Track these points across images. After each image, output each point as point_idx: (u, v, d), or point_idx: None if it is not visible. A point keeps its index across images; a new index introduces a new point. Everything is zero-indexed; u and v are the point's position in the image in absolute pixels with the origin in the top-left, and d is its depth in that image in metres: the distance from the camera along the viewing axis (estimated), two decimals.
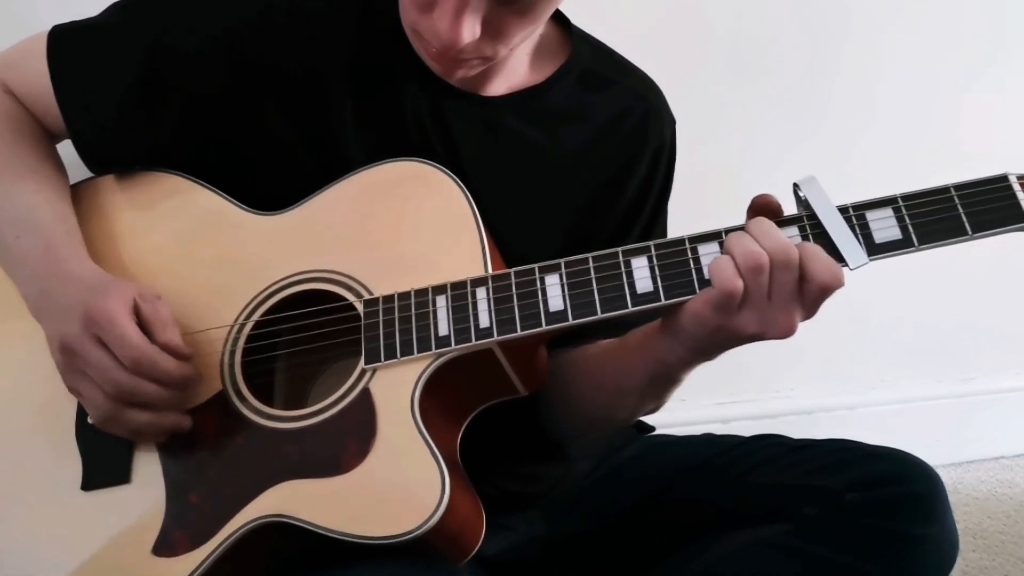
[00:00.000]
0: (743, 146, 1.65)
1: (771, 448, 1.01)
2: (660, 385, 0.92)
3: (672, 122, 1.09)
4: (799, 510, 0.91)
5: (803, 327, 0.79)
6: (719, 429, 1.23)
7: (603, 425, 1.04)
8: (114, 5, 0.97)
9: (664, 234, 1.11)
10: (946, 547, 0.87)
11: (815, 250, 0.75)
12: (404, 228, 0.89)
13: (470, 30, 0.82)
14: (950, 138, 1.72)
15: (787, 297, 0.76)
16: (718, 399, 1.74)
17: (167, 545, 0.81)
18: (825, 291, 0.76)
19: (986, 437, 1.95)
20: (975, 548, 1.62)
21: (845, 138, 1.70)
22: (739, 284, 0.75)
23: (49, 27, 0.96)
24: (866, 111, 1.70)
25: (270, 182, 0.95)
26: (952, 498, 0.89)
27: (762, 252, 0.75)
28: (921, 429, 1.82)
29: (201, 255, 0.93)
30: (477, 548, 0.84)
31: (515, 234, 0.95)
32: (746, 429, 1.11)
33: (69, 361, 0.83)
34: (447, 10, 0.81)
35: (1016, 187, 0.75)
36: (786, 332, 0.77)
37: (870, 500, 0.87)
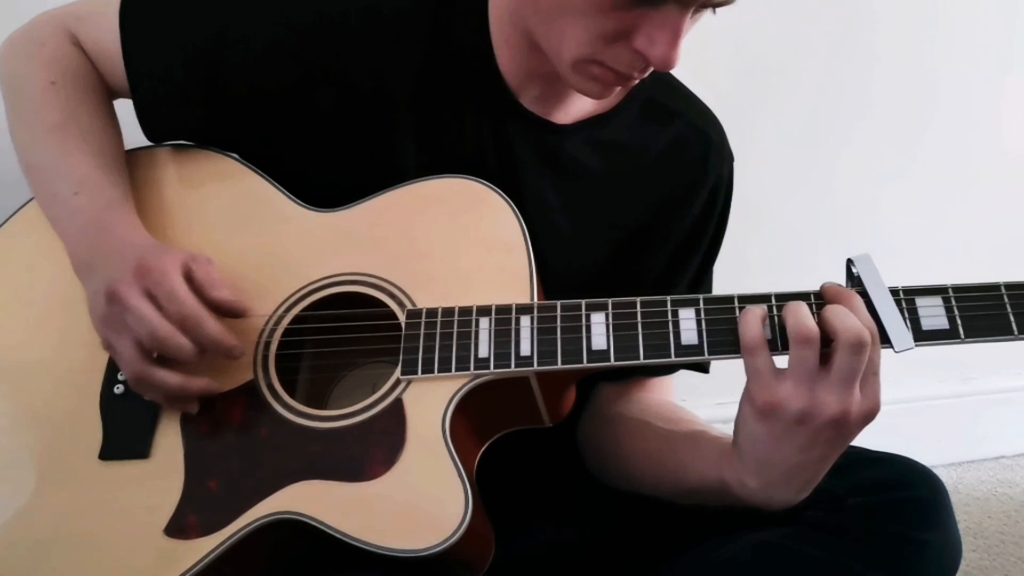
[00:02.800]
0: (777, 170, 1.67)
1: None
2: (712, 499, 0.89)
3: (731, 159, 1.08)
4: (801, 513, 0.89)
5: None
6: (720, 429, 1.23)
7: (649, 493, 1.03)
8: None
9: (711, 278, 1.11)
10: (949, 552, 0.86)
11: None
12: (452, 244, 0.90)
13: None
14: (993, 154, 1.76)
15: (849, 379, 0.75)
16: (718, 399, 1.70)
17: (180, 528, 0.81)
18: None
19: (987, 437, 1.95)
20: (975, 548, 1.63)
21: (886, 155, 1.73)
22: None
23: None
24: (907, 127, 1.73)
25: (320, 181, 0.96)
26: (952, 498, 0.89)
27: (814, 328, 0.75)
28: (922, 429, 1.82)
29: (247, 242, 0.93)
30: (486, 568, 0.85)
31: (561, 261, 0.96)
32: None
33: (111, 310, 0.83)
34: (667, 36, 0.80)
35: None
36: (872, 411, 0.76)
37: (872, 504, 0.87)
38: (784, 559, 0.88)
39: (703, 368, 1.09)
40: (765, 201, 1.64)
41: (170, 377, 0.83)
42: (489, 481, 0.86)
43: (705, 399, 1.66)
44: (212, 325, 0.83)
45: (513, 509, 0.91)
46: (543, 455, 1.08)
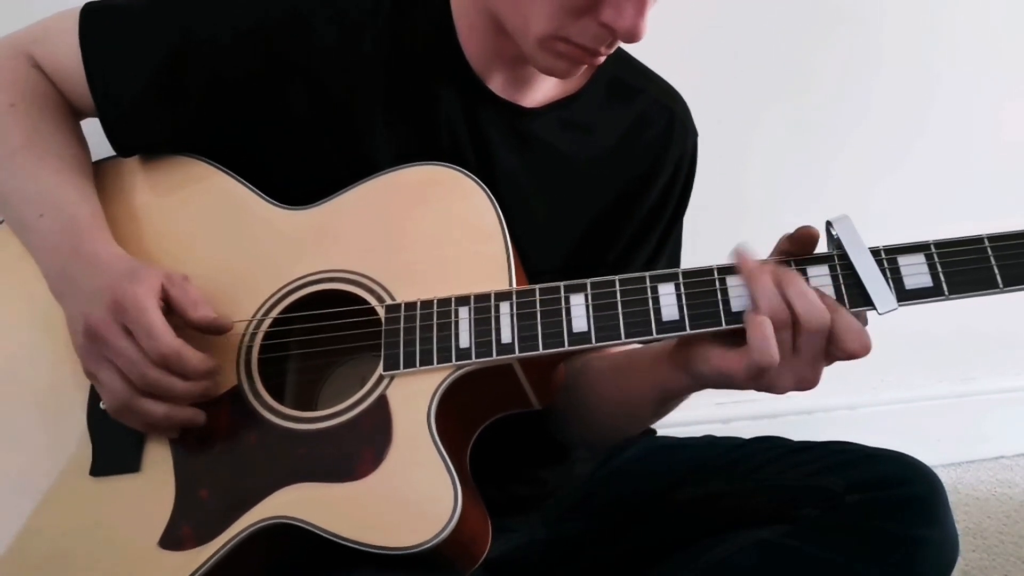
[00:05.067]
0: (769, 162, 1.65)
1: (772, 450, 1.02)
2: (664, 407, 0.93)
3: (695, 134, 1.09)
4: (800, 511, 0.91)
5: None
6: (719, 429, 1.23)
7: (606, 434, 1.05)
8: None
9: (678, 245, 1.11)
10: (946, 550, 0.87)
11: (849, 321, 0.75)
12: (429, 234, 0.89)
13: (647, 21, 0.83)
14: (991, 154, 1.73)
15: (815, 356, 0.76)
16: (718, 399, 1.74)
17: (174, 539, 0.81)
18: (851, 358, 0.76)
19: (986, 437, 1.95)
20: (975, 548, 1.62)
21: (879, 150, 1.70)
22: (777, 357, 0.74)
23: (80, 5, 0.95)
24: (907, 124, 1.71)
25: (293, 177, 0.95)
26: (952, 498, 0.89)
27: (787, 310, 0.75)
28: (921, 429, 1.82)
29: (223, 245, 0.93)
30: (484, 557, 0.84)
31: (535, 241, 0.96)
32: (746, 429, 1.12)
33: (92, 346, 0.82)
34: (633, 5, 0.82)
35: None
36: (811, 386, 0.77)
37: (871, 502, 0.88)
38: (783, 557, 0.89)
39: None
40: (760, 198, 1.64)
41: (156, 407, 0.82)
42: (486, 477, 0.86)
43: (704, 399, 1.65)
44: (193, 357, 0.82)
45: (509, 504, 0.91)
46: (541, 453, 1.08)
